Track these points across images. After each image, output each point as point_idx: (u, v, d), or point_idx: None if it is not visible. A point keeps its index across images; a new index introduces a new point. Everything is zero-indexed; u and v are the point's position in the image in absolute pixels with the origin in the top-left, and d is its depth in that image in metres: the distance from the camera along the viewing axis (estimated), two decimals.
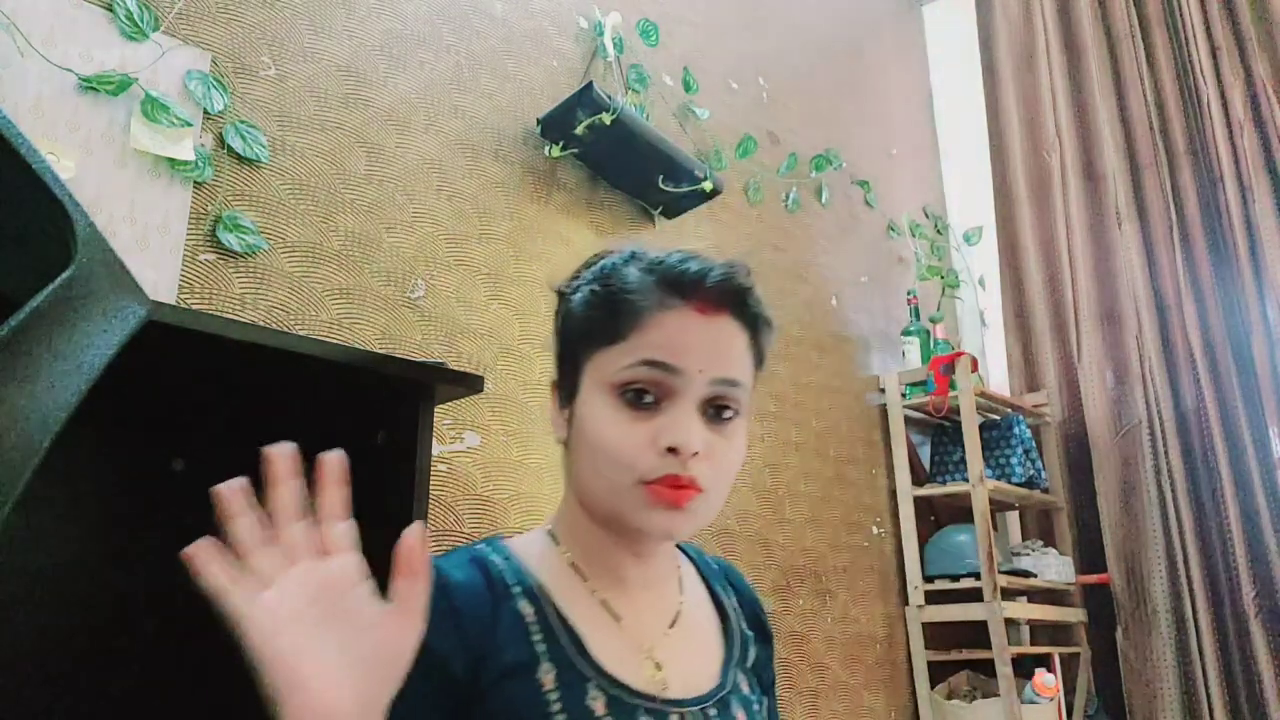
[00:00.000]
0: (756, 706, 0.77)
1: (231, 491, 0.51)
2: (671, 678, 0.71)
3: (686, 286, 0.68)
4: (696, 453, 0.65)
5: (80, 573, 0.96)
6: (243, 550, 0.50)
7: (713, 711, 0.71)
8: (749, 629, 0.83)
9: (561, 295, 0.77)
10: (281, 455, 0.52)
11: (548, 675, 0.66)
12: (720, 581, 0.85)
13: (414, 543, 0.54)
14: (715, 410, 0.68)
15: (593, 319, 0.70)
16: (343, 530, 0.53)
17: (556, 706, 0.65)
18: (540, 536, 0.77)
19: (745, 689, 0.77)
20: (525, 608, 0.69)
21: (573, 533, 0.75)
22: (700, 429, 0.66)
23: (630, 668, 0.69)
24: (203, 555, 0.50)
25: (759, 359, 0.73)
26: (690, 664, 0.74)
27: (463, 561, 0.71)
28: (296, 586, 0.50)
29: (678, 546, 0.84)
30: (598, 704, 0.66)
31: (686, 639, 0.76)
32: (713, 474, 0.67)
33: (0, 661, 0.89)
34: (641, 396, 0.67)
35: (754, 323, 0.71)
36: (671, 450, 0.65)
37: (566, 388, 0.73)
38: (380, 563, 0.97)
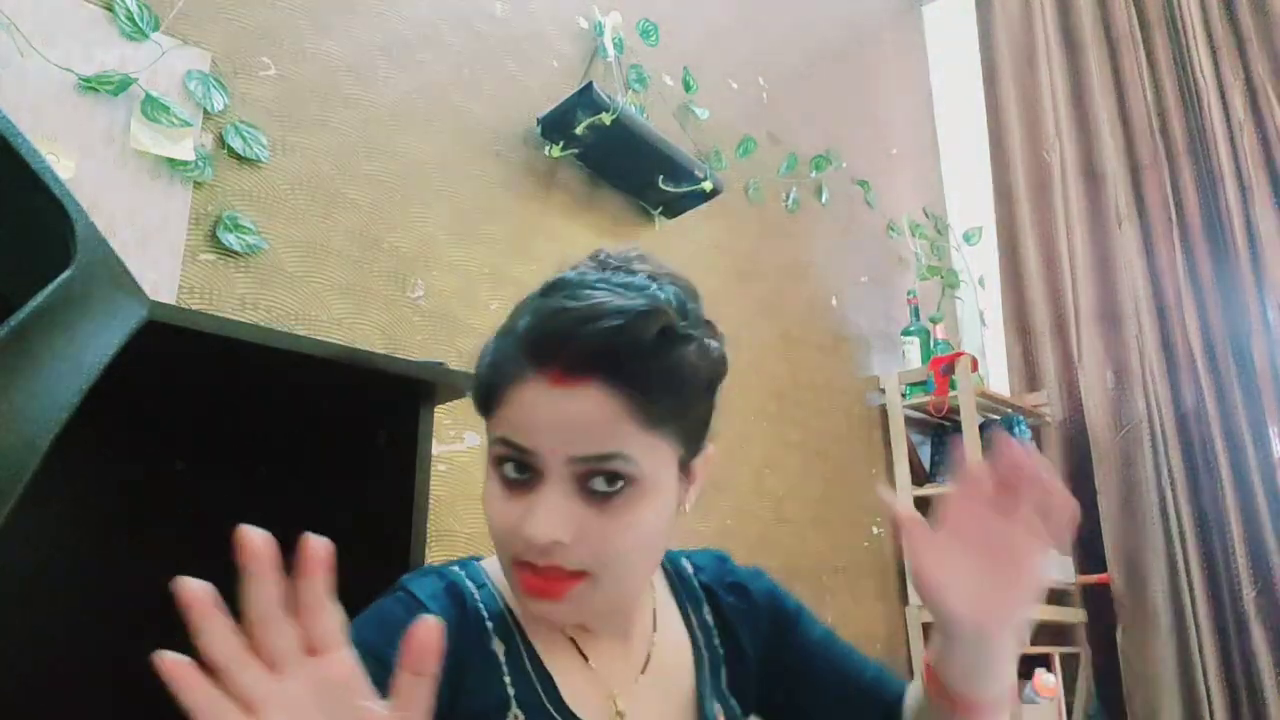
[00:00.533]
0: None
1: (197, 598, 0.43)
2: None
3: (542, 353, 0.60)
4: (558, 542, 0.59)
5: (80, 572, 0.96)
6: (222, 670, 0.43)
7: None
8: (723, 641, 0.78)
9: None
10: (255, 546, 0.45)
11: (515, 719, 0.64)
12: (692, 596, 0.79)
13: (428, 638, 0.45)
14: (600, 484, 0.60)
15: (478, 383, 0.67)
16: (332, 623, 0.46)
17: None
18: None
19: (722, 719, 0.73)
20: (497, 646, 0.67)
21: None
22: (561, 514, 0.59)
23: (595, 713, 0.67)
24: (179, 678, 0.43)
25: (671, 420, 0.62)
26: (658, 706, 0.71)
27: (437, 590, 0.68)
28: (290, 702, 0.43)
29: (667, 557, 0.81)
30: None
31: (657, 684, 0.72)
32: (593, 558, 0.60)
33: (0, 660, 0.89)
34: (518, 470, 0.62)
35: (638, 384, 0.59)
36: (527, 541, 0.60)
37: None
38: (380, 563, 0.97)
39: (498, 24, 1.86)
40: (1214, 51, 2.79)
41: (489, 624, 0.68)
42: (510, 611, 0.69)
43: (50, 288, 0.42)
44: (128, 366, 0.51)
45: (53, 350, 0.42)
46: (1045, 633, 2.77)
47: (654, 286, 0.63)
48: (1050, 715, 2.38)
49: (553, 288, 0.64)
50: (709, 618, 0.78)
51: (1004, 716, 0.65)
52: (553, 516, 0.59)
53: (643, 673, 0.71)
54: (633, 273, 0.65)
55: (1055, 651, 2.54)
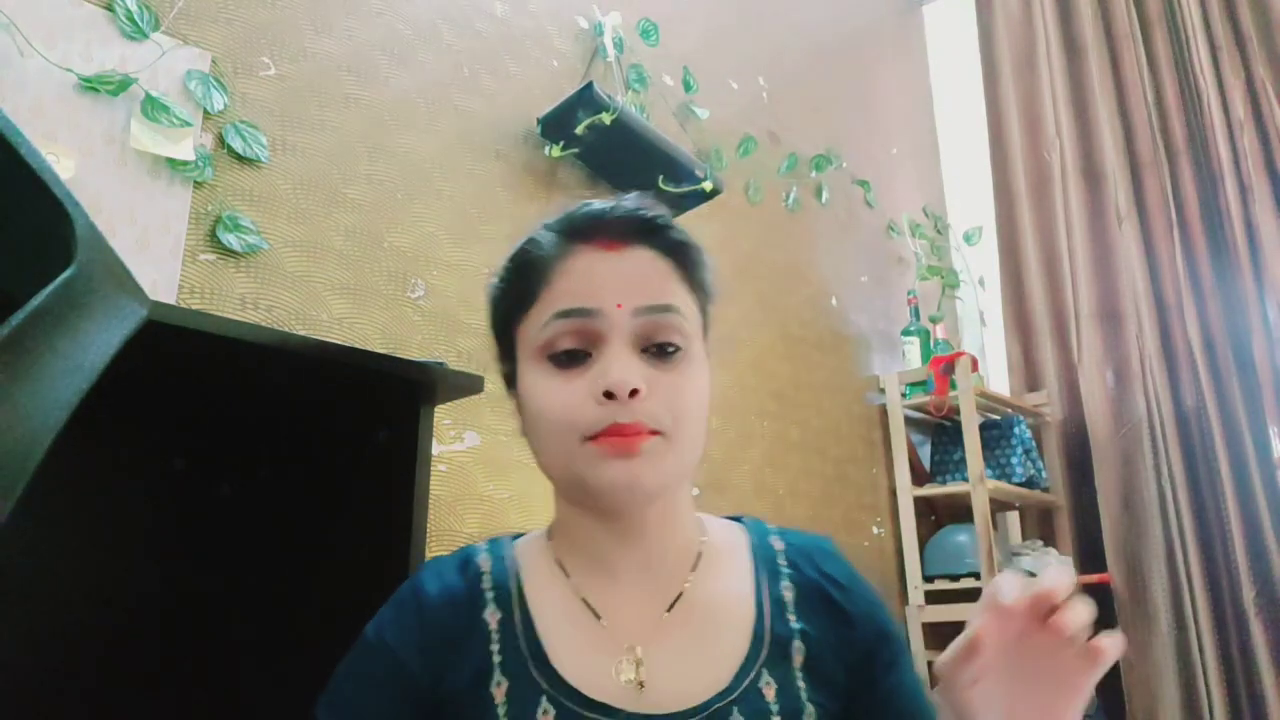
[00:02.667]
0: (785, 715, 0.63)
1: None
2: (655, 680, 0.63)
3: (587, 228, 0.65)
4: (636, 390, 0.60)
5: (81, 572, 0.96)
6: None
7: None
8: (801, 618, 0.68)
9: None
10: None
11: (499, 688, 0.63)
12: (770, 566, 0.71)
13: None
14: (656, 348, 0.63)
15: (507, 290, 0.68)
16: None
17: None
18: (540, 534, 0.74)
19: (770, 696, 0.63)
20: (491, 615, 0.66)
21: (561, 525, 0.71)
22: (637, 366, 0.61)
23: (598, 675, 0.63)
24: None
25: (699, 288, 0.68)
26: (687, 661, 0.64)
27: (453, 566, 0.70)
28: None
29: (738, 520, 0.76)
30: (546, 718, 0.61)
31: (687, 628, 0.66)
32: (667, 413, 0.62)
33: (0, 660, 0.89)
34: (571, 356, 0.62)
35: (676, 250, 0.66)
36: (609, 395, 0.60)
37: (508, 373, 0.70)
38: (380, 563, 0.97)
39: (498, 24, 1.86)
40: (1214, 51, 2.79)
41: (488, 594, 0.68)
42: (519, 581, 0.69)
43: (50, 288, 0.42)
44: (128, 366, 0.51)
45: (53, 350, 0.42)
46: None
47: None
48: None
49: (558, 210, 0.68)
50: (787, 593, 0.70)
51: None
52: (629, 367, 0.61)
53: (669, 611, 0.67)
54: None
55: None
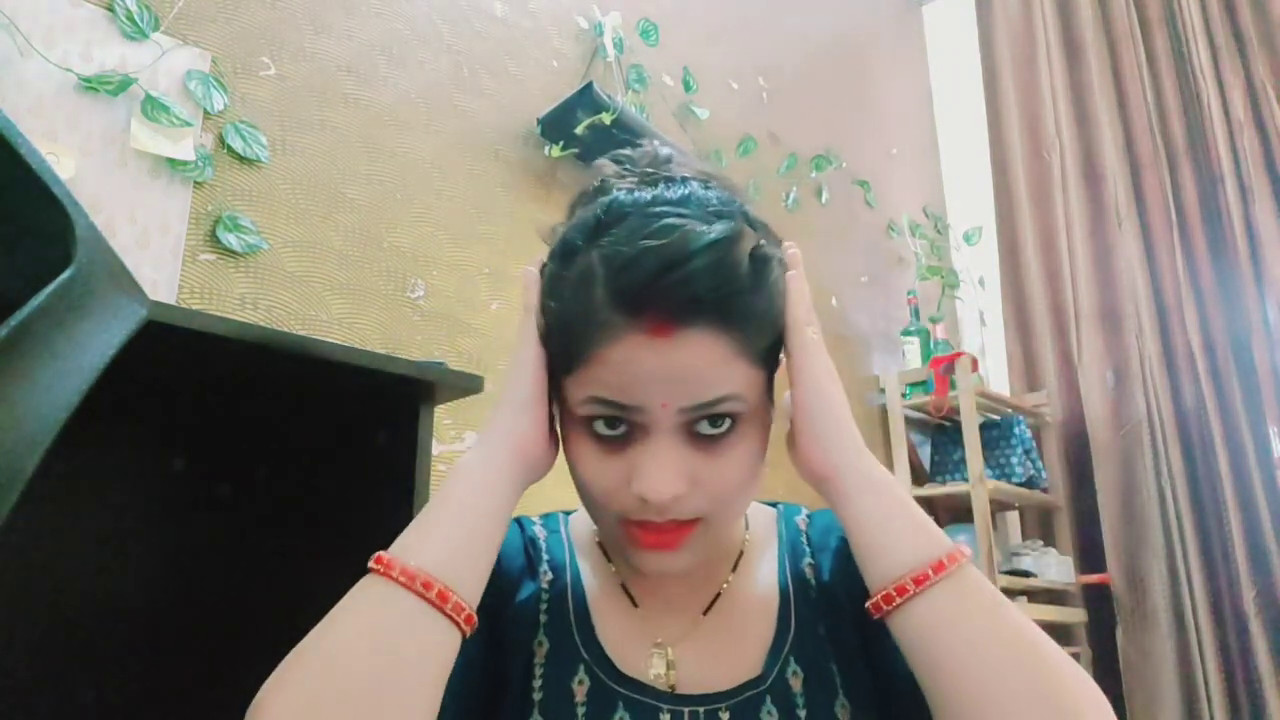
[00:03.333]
0: (812, 705, 0.61)
1: None
2: (685, 674, 0.62)
3: (636, 304, 0.53)
4: (678, 494, 0.55)
5: (80, 572, 0.96)
6: None
7: (725, 715, 0.60)
8: (821, 592, 0.67)
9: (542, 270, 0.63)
10: None
11: (540, 649, 0.63)
12: (795, 547, 0.71)
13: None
14: (707, 427, 0.56)
15: (549, 339, 0.60)
16: None
17: (539, 683, 0.62)
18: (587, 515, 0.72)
19: (796, 687, 0.62)
20: (545, 578, 0.67)
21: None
22: (675, 467, 0.55)
23: (633, 656, 0.63)
24: None
25: (771, 355, 0.59)
26: (719, 656, 0.64)
27: (513, 524, 0.71)
28: None
29: (774, 506, 0.75)
30: (580, 688, 0.61)
31: (723, 628, 0.65)
32: (710, 502, 0.57)
33: (1, 660, 0.89)
34: (611, 425, 0.56)
35: (743, 322, 0.55)
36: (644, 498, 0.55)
37: (556, 398, 0.62)
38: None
39: (498, 24, 1.86)
40: (1214, 51, 2.79)
41: (544, 555, 0.69)
42: (571, 551, 0.70)
43: (50, 288, 0.42)
44: (128, 366, 0.51)
45: (53, 350, 0.42)
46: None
47: (715, 198, 0.58)
48: None
49: (612, 216, 0.56)
50: (809, 570, 0.69)
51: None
52: (666, 471, 0.55)
53: (704, 614, 0.66)
54: (681, 181, 0.60)
55: None
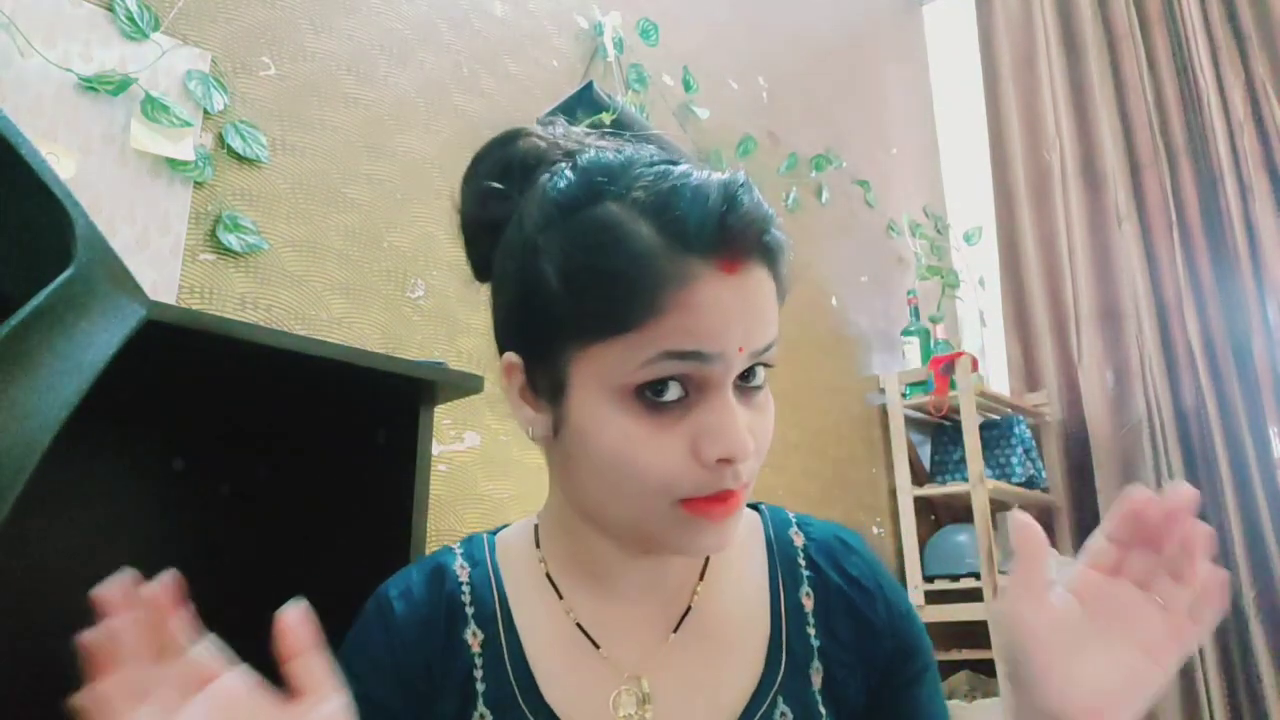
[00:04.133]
0: None
1: (108, 598, 0.47)
2: (660, 712, 0.57)
3: (707, 240, 0.49)
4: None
5: (80, 572, 0.96)
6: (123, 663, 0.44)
7: None
8: (821, 632, 0.62)
9: (526, 243, 0.54)
10: (112, 594, 0.46)
11: None
12: (790, 569, 0.64)
13: (287, 627, 0.46)
14: (752, 377, 0.53)
15: (584, 307, 0.50)
16: (206, 651, 0.48)
17: None
18: (526, 534, 0.65)
19: None
20: (474, 636, 0.59)
21: (556, 535, 0.62)
22: (743, 423, 0.51)
23: (595, 708, 0.57)
24: (96, 661, 0.44)
25: (782, 299, 0.55)
26: (696, 687, 0.58)
27: (422, 579, 0.62)
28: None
29: (754, 508, 0.69)
30: None
31: (696, 648, 0.60)
32: (757, 459, 0.53)
33: (0, 661, 0.89)
34: (664, 392, 0.50)
35: (779, 261, 0.53)
36: (723, 460, 0.50)
37: (544, 382, 0.54)
38: (380, 563, 0.97)
39: (498, 24, 1.86)
40: (1214, 51, 2.79)
41: (469, 610, 0.60)
42: (502, 595, 0.61)
43: (50, 288, 0.42)
44: (128, 366, 0.51)
45: (53, 350, 0.42)
46: None
47: (685, 152, 0.57)
48: None
49: (619, 167, 0.52)
50: (806, 601, 0.62)
51: None
52: (742, 427, 0.50)
53: (675, 631, 0.60)
54: (633, 139, 0.57)
55: None
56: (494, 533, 0.67)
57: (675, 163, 0.52)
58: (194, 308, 1.26)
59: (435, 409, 1.09)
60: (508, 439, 1.62)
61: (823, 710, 0.59)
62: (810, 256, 2.64)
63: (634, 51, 2.14)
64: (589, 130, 0.60)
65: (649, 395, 0.50)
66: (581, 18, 2.05)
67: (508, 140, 0.60)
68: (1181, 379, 2.69)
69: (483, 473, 1.58)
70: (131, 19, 1.27)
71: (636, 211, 0.50)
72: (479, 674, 0.58)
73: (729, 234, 0.49)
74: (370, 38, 1.61)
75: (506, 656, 0.59)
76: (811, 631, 0.61)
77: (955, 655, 2.48)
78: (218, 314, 1.23)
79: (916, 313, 2.86)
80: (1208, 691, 2.45)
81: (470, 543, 0.66)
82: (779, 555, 0.64)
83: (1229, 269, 2.69)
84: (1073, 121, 3.04)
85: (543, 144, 0.59)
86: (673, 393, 0.50)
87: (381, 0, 1.65)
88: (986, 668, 2.42)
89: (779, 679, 0.59)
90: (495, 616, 0.60)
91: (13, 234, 0.47)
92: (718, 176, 0.51)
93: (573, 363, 0.52)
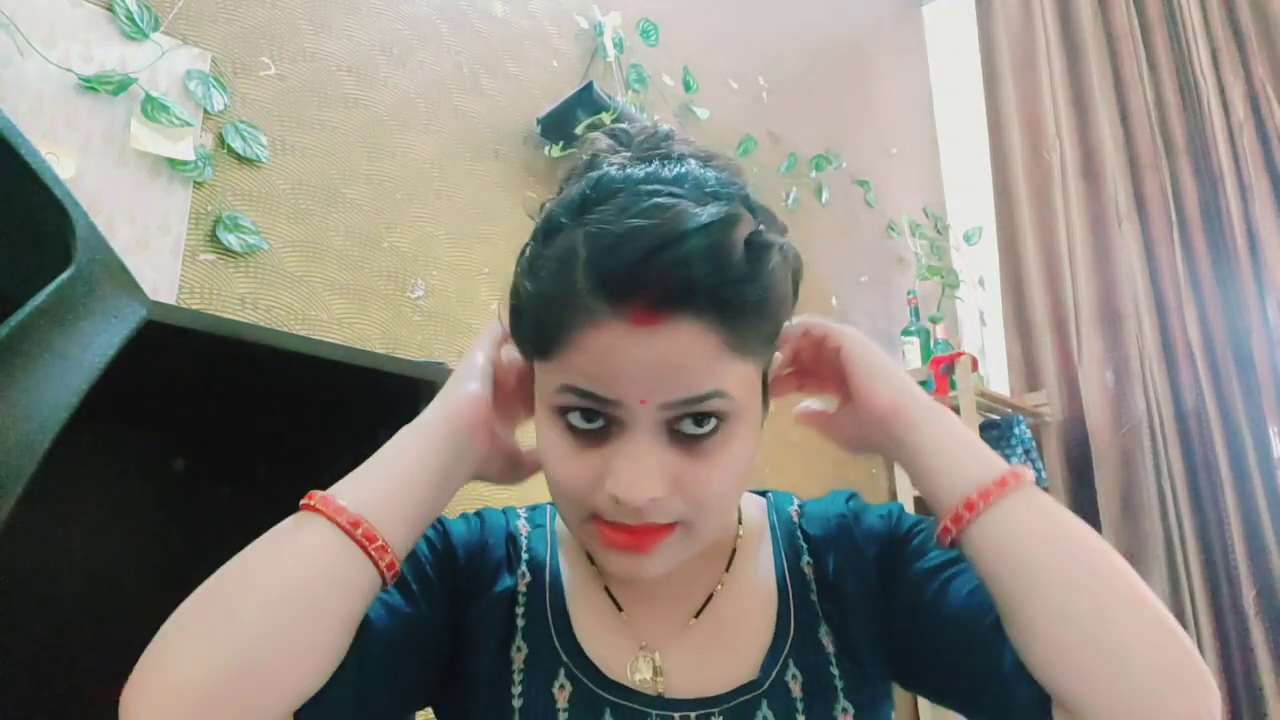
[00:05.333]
0: (811, 712, 0.59)
1: None
2: (675, 680, 0.60)
3: (619, 290, 0.48)
4: (655, 497, 0.52)
5: (81, 572, 0.96)
6: None
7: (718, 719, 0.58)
8: (824, 594, 0.64)
9: (520, 254, 0.58)
10: None
11: (519, 654, 0.61)
12: (792, 542, 0.68)
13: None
14: (691, 426, 0.52)
15: (519, 324, 0.56)
16: None
17: (518, 689, 0.59)
18: None
19: (796, 691, 0.60)
20: (523, 576, 0.65)
21: None
22: (654, 468, 0.51)
23: (617, 660, 0.61)
24: None
25: (763, 347, 0.55)
26: (712, 660, 0.61)
27: (499, 515, 0.71)
28: None
29: (759, 494, 0.73)
30: (562, 694, 0.59)
31: (715, 631, 0.62)
32: (691, 505, 0.53)
33: (0, 660, 0.89)
34: (588, 418, 0.52)
35: (733, 310, 0.50)
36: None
37: (529, 372, 0.59)
38: None
39: (498, 24, 1.86)
40: (1214, 51, 2.79)
41: (524, 555, 0.66)
42: (554, 551, 0.67)
43: (50, 288, 0.42)
44: (128, 366, 0.51)
45: (53, 350, 0.42)
46: None
47: (713, 179, 0.53)
48: None
49: (601, 193, 0.52)
50: (808, 570, 0.66)
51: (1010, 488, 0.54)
52: (645, 473, 0.51)
53: (696, 617, 0.63)
54: (678, 159, 0.55)
55: None
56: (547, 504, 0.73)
57: (672, 190, 0.51)
58: (194, 308, 1.26)
59: None
60: None
61: (835, 672, 0.61)
62: (810, 256, 2.64)
63: (634, 51, 2.14)
64: (648, 138, 0.58)
65: (569, 418, 0.53)
66: (581, 18, 2.05)
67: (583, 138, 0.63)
68: (1181, 379, 2.69)
69: None
70: (131, 19, 1.27)
71: (583, 247, 0.50)
72: (520, 610, 0.63)
73: (644, 285, 0.48)
74: (370, 38, 1.61)
75: (547, 599, 0.63)
76: (815, 598, 0.64)
77: None
78: (218, 314, 1.24)
79: (916, 313, 2.86)
80: None
81: (534, 509, 0.72)
82: (781, 532, 0.69)
83: (1229, 269, 2.69)
84: (1073, 121, 3.04)
85: (586, 154, 0.59)
86: (592, 421, 0.53)
87: (381, 0, 1.65)
88: None
89: (788, 644, 0.62)
90: (544, 566, 0.66)
91: (13, 234, 0.47)
92: (674, 216, 0.48)
93: (533, 367, 0.57)
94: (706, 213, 0.48)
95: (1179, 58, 2.90)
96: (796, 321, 0.63)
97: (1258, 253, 2.64)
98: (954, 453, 0.57)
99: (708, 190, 0.52)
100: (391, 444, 0.57)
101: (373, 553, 0.51)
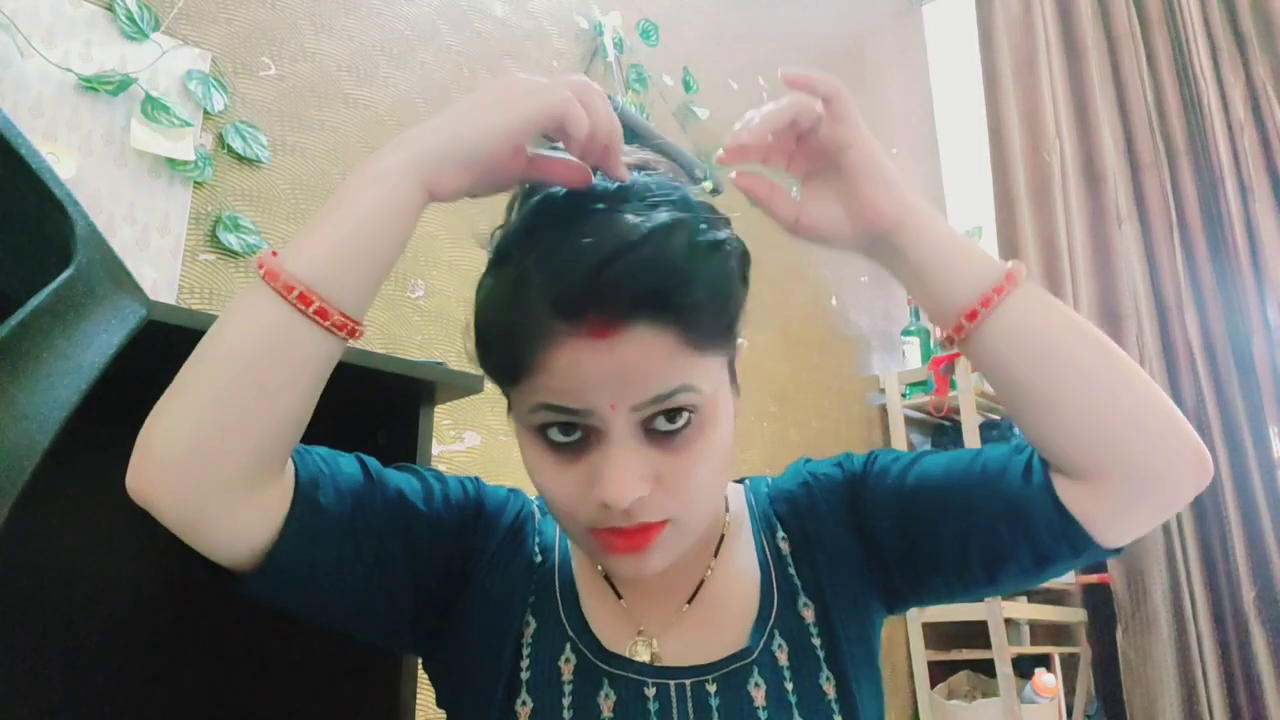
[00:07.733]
0: (799, 678, 0.63)
1: None
2: (671, 659, 0.63)
3: (573, 308, 0.51)
4: (640, 498, 0.54)
5: (81, 572, 0.96)
6: None
7: (712, 687, 0.61)
8: (800, 564, 0.68)
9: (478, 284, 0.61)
10: None
11: (528, 628, 0.64)
12: (766, 521, 0.72)
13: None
14: (664, 423, 0.55)
15: (487, 356, 0.58)
16: None
17: (526, 663, 0.63)
18: None
19: (783, 660, 0.63)
20: (536, 554, 0.68)
21: None
22: (635, 469, 0.54)
23: (620, 638, 0.64)
24: None
25: (723, 339, 0.58)
26: (705, 636, 0.64)
27: (521, 496, 0.73)
28: None
29: (737, 482, 0.76)
30: (567, 666, 0.62)
31: (706, 612, 0.66)
32: (676, 501, 0.56)
33: (1, 661, 0.89)
34: (566, 432, 0.55)
35: (686, 310, 0.53)
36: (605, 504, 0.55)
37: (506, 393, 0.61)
38: None
39: (498, 24, 1.86)
40: (1214, 51, 2.79)
41: (536, 536, 0.69)
42: (563, 539, 0.70)
43: (50, 288, 0.42)
44: (128, 366, 0.51)
45: (53, 350, 0.42)
46: (1045, 633, 2.77)
47: (653, 185, 0.57)
48: (1050, 715, 2.38)
49: (545, 218, 0.56)
50: (784, 545, 0.70)
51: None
52: (627, 475, 0.53)
53: (689, 602, 0.66)
54: (670, 152, 0.62)
55: (1055, 651, 2.54)
56: None
57: (614, 206, 0.54)
58: (194, 308, 1.26)
59: (435, 409, 1.09)
60: (508, 439, 1.62)
61: (815, 641, 0.65)
62: (810, 256, 2.64)
63: (634, 52, 2.14)
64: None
65: (549, 435, 0.56)
66: (581, 18, 2.05)
67: None
68: (1181, 379, 2.69)
69: (483, 473, 1.57)
70: (131, 19, 1.27)
71: (535, 272, 0.53)
72: (532, 586, 0.66)
73: (596, 300, 0.51)
74: (370, 38, 1.61)
75: (557, 576, 0.67)
76: (793, 571, 0.68)
77: (955, 655, 2.48)
78: (218, 314, 1.23)
79: (916, 313, 2.86)
80: (1208, 691, 2.45)
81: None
82: (757, 512, 0.72)
83: (1229, 269, 2.69)
84: (1073, 122, 3.04)
85: None
86: (570, 434, 0.55)
87: (381, 1, 1.65)
88: (986, 668, 2.42)
89: (772, 616, 0.65)
90: (552, 546, 0.69)
91: (13, 234, 0.47)
92: (615, 231, 0.52)
93: (510, 401, 0.60)
94: (648, 222, 0.52)
95: (1179, 58, 2.90)
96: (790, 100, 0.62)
97: (1258, 253, 2.64)
98: (955, 258, 0.61)
99: (649, 200, 0.55)
100: (348, 185, 0.57)
101: (329, 327, 0.52)
